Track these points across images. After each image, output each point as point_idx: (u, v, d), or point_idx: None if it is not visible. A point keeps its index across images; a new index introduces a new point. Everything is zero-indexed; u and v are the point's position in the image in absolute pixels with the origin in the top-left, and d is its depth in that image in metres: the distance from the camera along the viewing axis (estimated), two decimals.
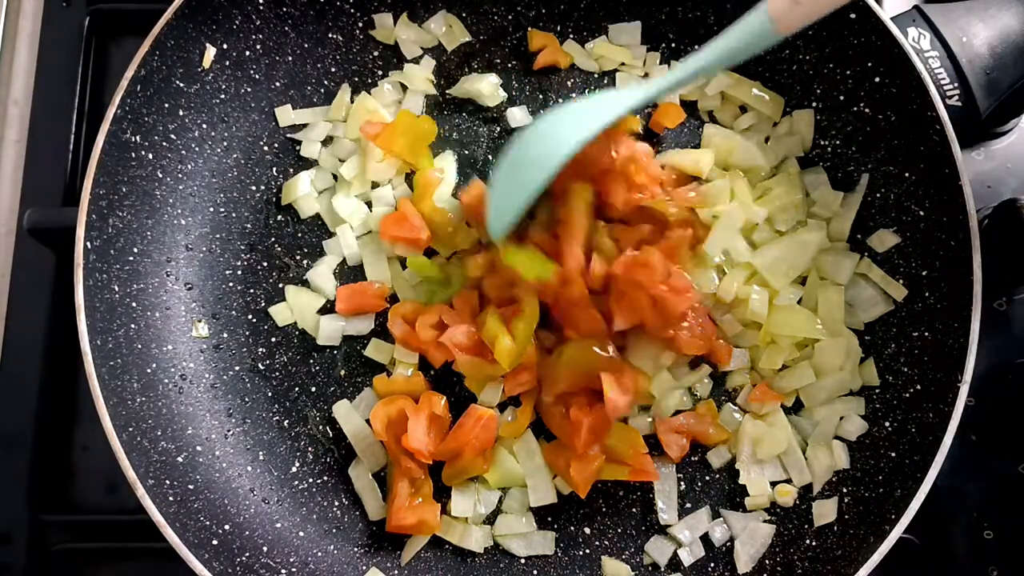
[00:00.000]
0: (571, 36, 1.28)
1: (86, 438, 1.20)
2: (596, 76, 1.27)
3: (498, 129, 1.24)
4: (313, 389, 1.14)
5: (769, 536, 1.08)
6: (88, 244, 1.04)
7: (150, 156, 1.13)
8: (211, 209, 1.19)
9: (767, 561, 1.07)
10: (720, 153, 1.20)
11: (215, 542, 1.02)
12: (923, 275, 1.10)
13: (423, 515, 1.07)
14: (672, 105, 1.24)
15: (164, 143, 1.14)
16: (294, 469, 1.12)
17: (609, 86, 1.26)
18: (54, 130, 1.28)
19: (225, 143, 1.20)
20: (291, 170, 1.22)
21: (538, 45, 1.26)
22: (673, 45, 1.26)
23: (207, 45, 1.16)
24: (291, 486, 1.11)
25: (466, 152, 1.23)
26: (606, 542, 1.10)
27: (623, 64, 1.26)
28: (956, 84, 1.17)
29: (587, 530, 1.10)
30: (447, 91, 1.26)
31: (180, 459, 1.07)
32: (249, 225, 1.20)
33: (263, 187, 1.21)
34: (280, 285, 1.18)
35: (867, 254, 1.16)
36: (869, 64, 1.13)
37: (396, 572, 1.09)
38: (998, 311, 1.17)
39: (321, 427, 1.14)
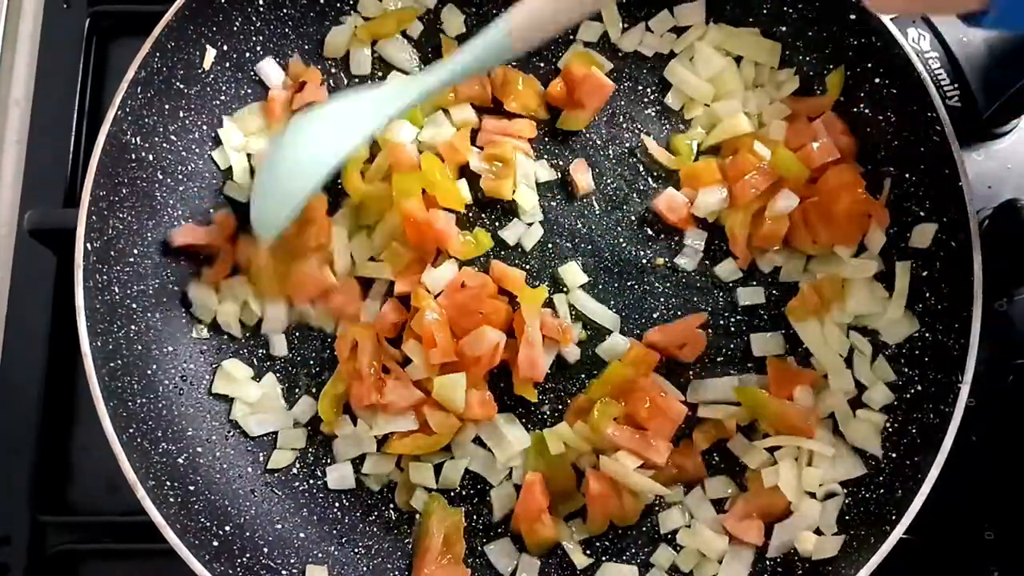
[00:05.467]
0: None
1: (86, 438, 1.20)
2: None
3: None
4: (314, 389, 1.14)
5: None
6: (88, 245, 1.04)
7: (150, 157, 1.13)
8: (211, 211, 1.19)
9: (767, 561, 1.07)
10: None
11: (216, 543, 1.02)
12: (923, 275, 1.10)
13: None
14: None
15: (164, 144, 1.14)
16: (295, 470, 1.12)
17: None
18: (54, 131, 1.28)
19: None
20: None
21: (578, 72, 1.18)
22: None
23: (207, 46, 1.16)
24: (291, 487, 1.11)
25: None
26: (606, 543, 1.10)
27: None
28: (956, 84, 1.16)
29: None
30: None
31: (181, 460, 1.07)
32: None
33: None
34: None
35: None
36: (869, 64, 1.13)
37: (397, 574, 1.09)
38: (998, 311, 1.16)
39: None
